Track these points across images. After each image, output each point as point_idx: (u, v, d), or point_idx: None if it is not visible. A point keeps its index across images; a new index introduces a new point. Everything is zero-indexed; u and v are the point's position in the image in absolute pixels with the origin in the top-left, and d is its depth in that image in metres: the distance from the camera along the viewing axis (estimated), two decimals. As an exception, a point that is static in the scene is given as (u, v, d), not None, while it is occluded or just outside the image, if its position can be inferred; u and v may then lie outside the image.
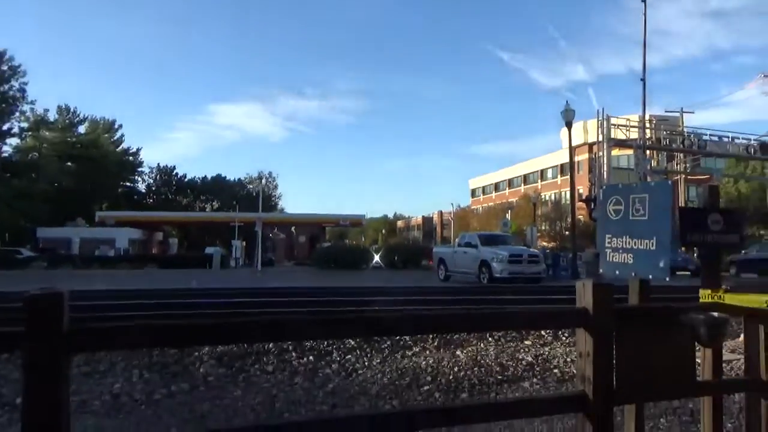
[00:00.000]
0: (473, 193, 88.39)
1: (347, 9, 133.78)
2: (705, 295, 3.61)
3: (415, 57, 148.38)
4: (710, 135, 29.04)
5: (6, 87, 45.76)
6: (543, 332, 8.05)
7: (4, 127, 47.02)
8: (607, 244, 3.76)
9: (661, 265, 3.39)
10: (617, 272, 3.70)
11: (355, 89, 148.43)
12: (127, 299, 11.74)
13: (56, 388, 2.18)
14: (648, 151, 28.05)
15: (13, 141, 52.75)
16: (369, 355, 6.79)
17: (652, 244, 3.42)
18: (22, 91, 46.81)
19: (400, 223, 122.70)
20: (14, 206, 39.67)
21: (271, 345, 6.87)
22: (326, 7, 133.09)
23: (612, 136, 27.24)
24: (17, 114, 49.70)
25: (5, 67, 45.08)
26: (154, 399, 5.24)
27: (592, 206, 26.73)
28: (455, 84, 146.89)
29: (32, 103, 50.58)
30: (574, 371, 5.68)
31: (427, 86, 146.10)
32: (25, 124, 54.08)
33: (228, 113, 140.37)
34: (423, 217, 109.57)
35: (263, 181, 73.93)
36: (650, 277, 3.53)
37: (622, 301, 3.46)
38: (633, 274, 3.64)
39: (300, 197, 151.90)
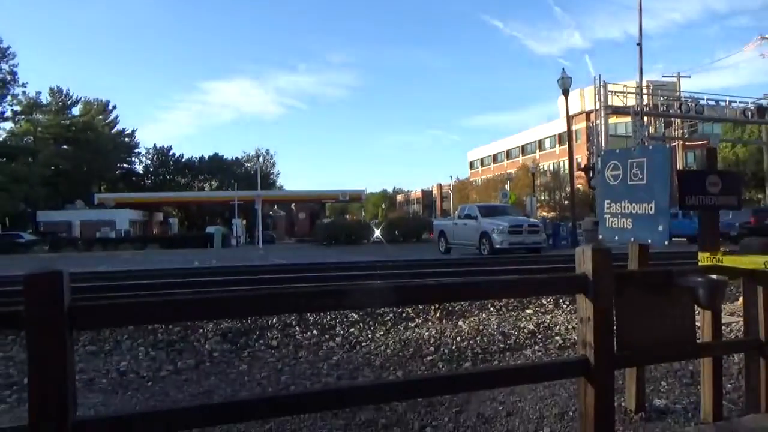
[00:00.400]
0: (472, 165, 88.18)
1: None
2: (704, 258, 3.63)
3: (409, 28, 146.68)
4: (707, 99, 28.82)
5: (-4, 70, 45.29)
6: (544, 301, 8.11)
7: (-3, 112, 46.67)
8: (606, 210, 3.76)
9: (660, 229, 3.40)
10: (616, 237, 3.71)
11: (349, 62, 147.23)
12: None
13: (60, 365, 2.21)
14: (646, 118, 27.85)
15: (7, 125, 52.52)
16: (372, 328, 6.85)
17: (651, 208, 3.42)
18: (13, 73, 46.44)
19: (399, 197, 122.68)
20: (12, 190, 39.55)
21: (274, 320, 6.93)
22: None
23: (609, 103, 27.04)
24: (9, 98, 49.31)
25: (-5, 50, 44.54)
26: (160, 375, 5.30)
27: (591, 175, 26.68)
28: (451, 55, 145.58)
29: (24, 86, 50.19)
30: (576, 338, 5.75)
31: (422, 58, 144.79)
32: (18, 108, 53.70)
33: (222, 91, 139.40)
34: (422, 190, 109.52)
35: (261, 159, 73.69)
36: (649, 241, 3.54)
37: (623, 267, 3.48)
38: (632, 239, 3.65)
39: (299, 174, 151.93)
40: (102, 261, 22.73)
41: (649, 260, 3.78)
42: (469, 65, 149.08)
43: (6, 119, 50.94)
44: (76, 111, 62.65)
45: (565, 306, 7.90)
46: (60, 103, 60.65)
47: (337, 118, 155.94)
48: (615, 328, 2.86)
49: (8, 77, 46.29)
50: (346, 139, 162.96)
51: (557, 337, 6.30)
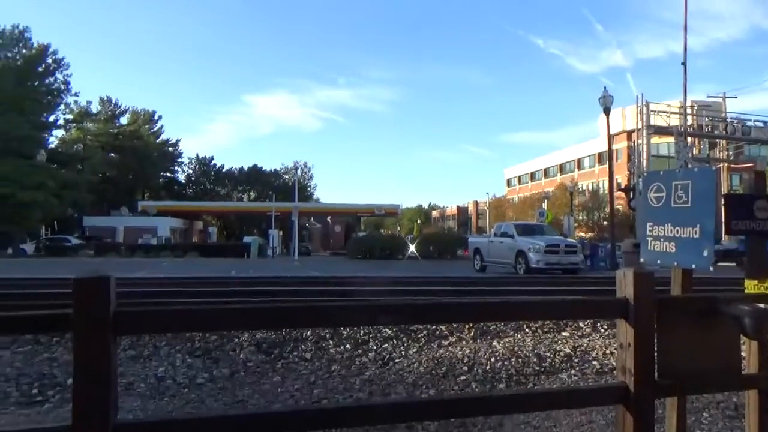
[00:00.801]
0: (509, 182, 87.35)
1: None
2: (751, 286, 3.51)
3: (448, 45, 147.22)
4: (754, 121, 27.97)
5: (51, 80, 47.32)
6: (581, 324, 7.94)
7: (50, 119, 48.67)
8: (648, 232, 3.68)
9: (705, 254, 3.31)
10: (659, 261, 3.62)
11: (388, 78, 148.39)
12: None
13: (103, 368, 2.27)
14: (689, 138, 27.19)
15: (59, 133, 54.80)
16: (405, 345, 6.83)
17: (696, 232, 3.33)
18: (67, 83, 48.42)
19: (435, 213, 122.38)
20: (61, 196, 41.14)
21: (308, 333, 6.98)
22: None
23: (652, 122, 26.51)
24: (62, 106, 51.49)
25: (49, 61, 46.57)
26: (196, 383, 5.40)
27: (631, 196, 26.08)
28: (490, 72, 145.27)
29: (76, 95, 52.32)
30: (614, 363, 5.60)
31: (461, 74, 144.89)
32: (69, 116, 56.08)
33: (263, 104, 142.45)
34: (458, 206, 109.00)
35: (299, 171, 74.69)
36: (693, 266, 3.45)
37: (664, 292, 3.39)
38: (675, 263, 3.56)
39: (335, 187, 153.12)
40: (143, 266, 23.33)
41: (692, 285, 3.67)
42: (509, 82, 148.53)
43: (59, 127, 53.21)
44: (124, 120, 65.03)
45: (603, 330, 7.71)
46: (109, 113, 63.00)
47: (375, 132, 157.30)
48: (656, 355, 2.79)
49: (62, 87, 48.36)
50: (383, 153, 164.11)
51: (594, 362, 6.16)
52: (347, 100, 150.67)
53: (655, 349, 2.79)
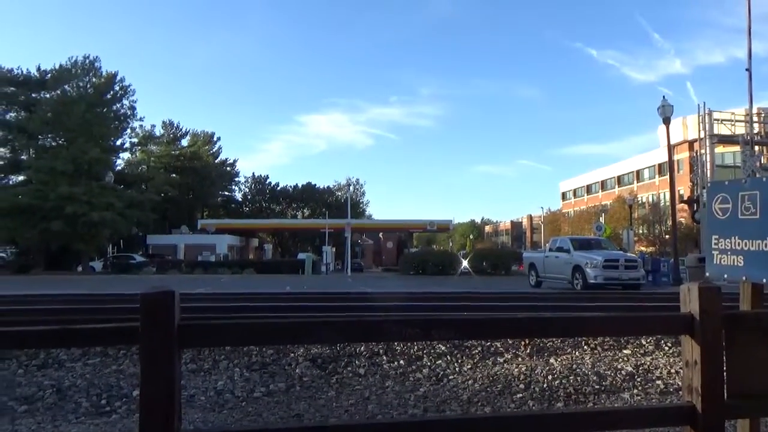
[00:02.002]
0: (564, 196, 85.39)
1: (428, 12, 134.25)
2: (830, 302, 3.30)
3: (499, 59, 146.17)
4: (826, 128, 26.37)
5: (118, 106, 49.96)
6: (644, 341, 7.64)
7: (118, 143, 51.32)
8: (713, 246, 3.53)
9: (777, 268, 3.15)
10: (726, 276, 3.47)
11: (439, 94, 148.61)
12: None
13: (168, 379, 2.37)
14: (756, 147, 25.85)
15: (125, 155, 57.74)
16: (459, 361, 6.75)
17: (766, 245, 3.18)
18: (133, 108, 50.93)
19: (488, 228, 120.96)
20: (127, 215, 43.17)
21: (362, 348, 7.02)
22: (406, 11, 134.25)
23: (715, 131, 25.39)
24: (128, 130, 54.22)
25: (117, 88, 49.21)
26: (254, 396, 5.51)
27: (695, 208, 25.01)
28: (542, 84, 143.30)
29: (141, 119, 55.00)
30: (679, 383, 5.35)
31: (512, 88, 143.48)
32: (135, 140, 58.98)
33: (316, 122, 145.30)
34: (511, 221, 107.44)
35: (351, 187, 75.54)
36: (764, 280, 3.28)
37: (733, 308, 3.24)
38: (744, 277, 3.40)
39: (387, 203, 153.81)
40: (202, 283, 24.09)
41: (763, 301, 3.49)
42: (561, 94, 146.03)
43: (125, 150, 56.03)
44: (184, 142, 67.69)
45: (667, 348, 7.39)
46: (171, 135, 65.80)
47: (426, 148, 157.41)
48: (725, 374, 2.66)
49: (128, 112, 50.91)
50: (434, 168, 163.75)
51: (658, 381, 5.90)
52: (398, 117, 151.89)
53: (724, 367, 2.66)
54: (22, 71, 46.31)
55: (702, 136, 25.38)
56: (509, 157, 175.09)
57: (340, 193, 75.26)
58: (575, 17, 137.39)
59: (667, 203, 40.44)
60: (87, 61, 47.67)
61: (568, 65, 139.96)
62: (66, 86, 45.99)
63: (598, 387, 5.72)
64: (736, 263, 3.39)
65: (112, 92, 48.86)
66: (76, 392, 5.49)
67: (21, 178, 46.02)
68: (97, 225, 39.99)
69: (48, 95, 46.36)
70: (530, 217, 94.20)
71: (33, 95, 46.57)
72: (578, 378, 5.96)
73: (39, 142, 44.81)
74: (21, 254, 44.22)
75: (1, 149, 46.95)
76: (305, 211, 75.30)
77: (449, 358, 6.85)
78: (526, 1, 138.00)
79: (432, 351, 7.07)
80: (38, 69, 46.77)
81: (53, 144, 44.50)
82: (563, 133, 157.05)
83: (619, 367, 6.39)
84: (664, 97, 24.06)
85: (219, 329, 2.60)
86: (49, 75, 46.20)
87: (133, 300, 9.43)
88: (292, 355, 6.86)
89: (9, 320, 7.82)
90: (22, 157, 45.83)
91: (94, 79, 47.88)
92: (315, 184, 76.78)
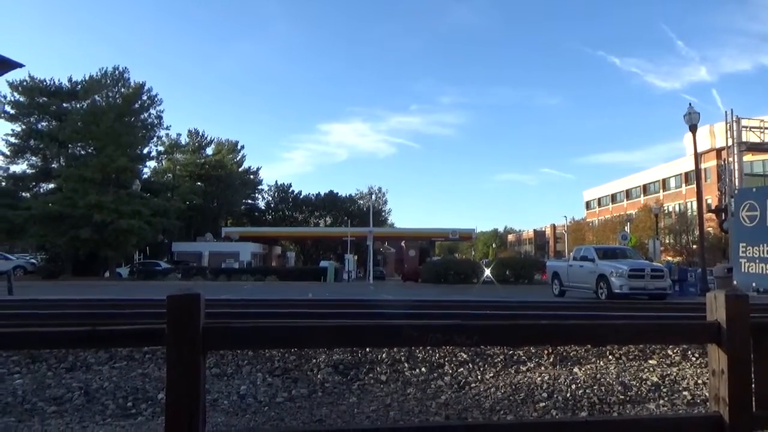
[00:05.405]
0: (588, 205, 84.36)
1: (448, 22, 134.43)
2: None
3: (521, 67, 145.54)
4: None
5: (146, 115, 50.99)
6: (670, 351, 7.50)
7: (144, 152, 52.32)
8: (741, 253, 3.48)
9: (808, 276, 3.08)
10: (754, 284, 3.41)
11: (461, 102, 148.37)
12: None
13: (193, 380, 2.42)
14: (789, 155, 25.22)
15: (152, 164, 58.83)
16: (482, 369, 6.71)
17: (796, 253, 3.11)
18: (159, 118, 51.93)
19: (510, 237, 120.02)
20: (153, 222, 43.90)
21: (384, 355, 7.02)
22: (426, 21, 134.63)
23: (744, 139, 24.83)
24: (155, 139, 55.23)
25: (145, 97, 50.24)
26: (276, 401, 5.55)
27: (723, 217, 24.47)
28: (564, 93, 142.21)
29: (167, 128, 55.96)
30: (707, 394, 5.24)
31: (534, 96, 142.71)
32: (161, 148, 60.05)
33: (338, 131, 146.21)
34: (534, 230, 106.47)
35: (373, 196, 75.68)
36: (794, 290, 3.22)
37: (761, 317, 3.17)
38: (773, 286, 3.33)
39: (409, 211, 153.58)
40: (226, 289, 24.34)
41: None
42: (585, 103, 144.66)
43: (151, 158, 57.08)
44: (209, 151, 68.70)
45: (694, 358, 7.24)
46: (196, 144, 66.83)
47: (448, 156, 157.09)
48: (754, 384, 2.61)
49: (155, 121, 51.93)
50: (456, 177, 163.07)
51: (685, 392, 5.79)
52: (419, 126, 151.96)
53: (752, 377, 2.61)
54: (54, 82, 47.68)
55: (730, 143, 24.85)
56: (532, 165, 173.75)
57: (362, 202, 75.45)
58: (597, 25, 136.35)
59: (695, 213, 39.64)
60: (116, 71, 48.84)
61: (591, 73, 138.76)
62: (96, 96, 47.08)
63: (622, 397, 5.63)
64: (765, 271, 3.33)
65: (139, 102, 49.90)
66: (103, 394, 5.60)
67: (51, 186, 47.18)
68: (125, 232, 40.76)
69: (78, 105, 47.54)
70: (553, 226, 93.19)
71: (64, 105, 47.83)
72: (602, 388, 5.88)
73: (69, 150, 45.92)
74: (50, 260, 45.20)
75: (33, 158, 48.24)
76: (327, 219, 75.62)
77: (471, 366, 6.81)
78: (548, 10, 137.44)
79: (454, 358, 7.03)
80: (69, 80, 48.11)
81: (83, 153, 45.57)
82: (586, 142, 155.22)
83: (644, 377, 6.28)
84: (690, 104, 23.62)
85: (242, 331, 2.64)
86: (80, 85, 47.39)
87: (158, 305, 9.57)
88: (314, 361, 6.89)
89: (40, 323, 8.01)
90: (53, 165, 47.00)
91: (122, 90, 49.00)
92: (337, 193, 77.19)
